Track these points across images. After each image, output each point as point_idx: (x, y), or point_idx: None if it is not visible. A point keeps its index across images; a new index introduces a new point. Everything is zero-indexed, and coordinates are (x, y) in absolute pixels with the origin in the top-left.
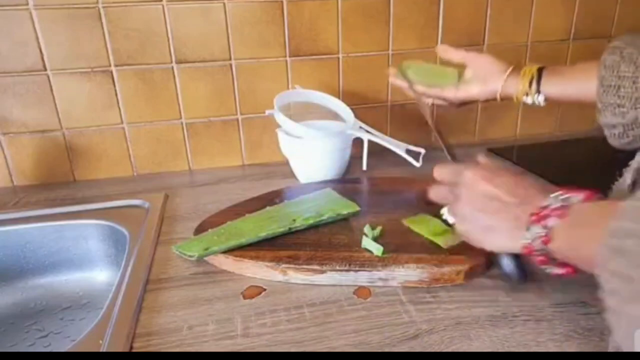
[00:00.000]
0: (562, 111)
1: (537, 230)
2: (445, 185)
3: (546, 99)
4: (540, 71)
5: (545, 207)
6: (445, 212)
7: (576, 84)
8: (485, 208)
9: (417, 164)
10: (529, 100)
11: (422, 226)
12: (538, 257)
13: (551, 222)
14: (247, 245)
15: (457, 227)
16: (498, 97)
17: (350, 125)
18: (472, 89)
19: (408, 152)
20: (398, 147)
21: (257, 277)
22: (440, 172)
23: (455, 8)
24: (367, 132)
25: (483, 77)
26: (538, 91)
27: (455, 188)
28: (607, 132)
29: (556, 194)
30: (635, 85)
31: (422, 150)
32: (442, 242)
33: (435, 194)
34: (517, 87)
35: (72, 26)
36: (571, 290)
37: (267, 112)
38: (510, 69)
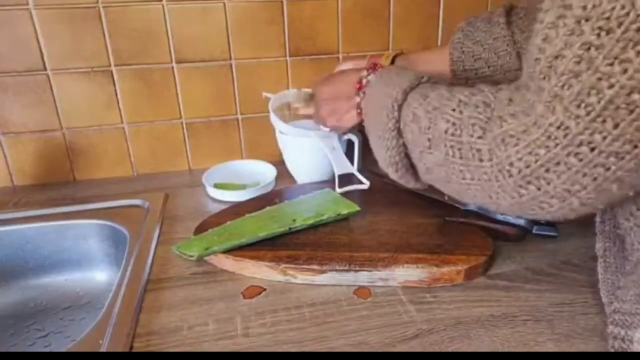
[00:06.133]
0: None
1: (360, 93)
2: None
3: None
4: (397, 55)
5: (361, 82)
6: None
7: (426, 66)
8: (332, 106)
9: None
10: None
11: None
12: (360, 113)
13: (364, 88)
14: (247, 245)
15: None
16: None
17: None
18: None
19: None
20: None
21: (257, 277)
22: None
23: (455, 8)
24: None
25: None
26: None
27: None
28: None
29: (363, 73)
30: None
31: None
32: None
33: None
34: None
35: (72, 26)
36: (571, 290)
37: (272, 118)
38: (369, 54)
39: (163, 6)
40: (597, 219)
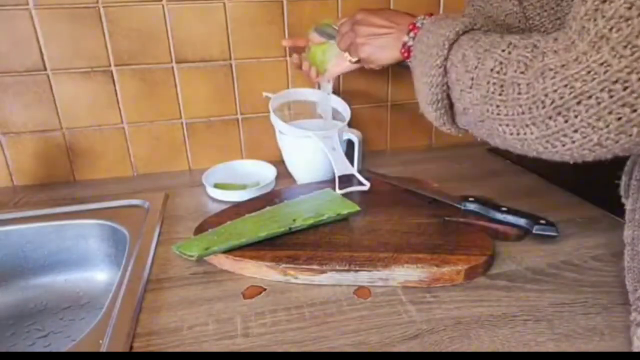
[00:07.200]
0: None
1: (411, 34)
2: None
3: None
4: None
5: (415, 24)
6: (347, 55)
7: None
8: (378, 32)
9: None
10: None
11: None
12: (404, 52)
13: (417, 30)
14: (247, 245)
15: (357, 55)
16: None
17: (345, 122)
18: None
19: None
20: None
21: (257, 277)
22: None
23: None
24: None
25: None
26: None
27: (351, 31)
28: None
29: (420, 17)
30: None
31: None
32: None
33: (341, 41)
34: None
35: (72, 26)
36: (571, 290)
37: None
38: None
39: (163, 6)
40: (628, 207)
